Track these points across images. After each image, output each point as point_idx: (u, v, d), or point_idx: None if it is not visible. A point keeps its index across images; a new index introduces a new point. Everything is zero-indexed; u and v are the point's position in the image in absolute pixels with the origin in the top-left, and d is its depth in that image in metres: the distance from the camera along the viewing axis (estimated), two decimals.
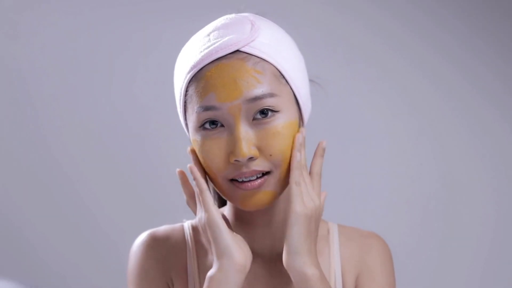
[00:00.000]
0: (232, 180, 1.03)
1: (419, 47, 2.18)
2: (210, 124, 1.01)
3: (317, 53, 2.09)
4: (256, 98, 0.99)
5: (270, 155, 1.01)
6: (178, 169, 1.08)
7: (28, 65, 2.19)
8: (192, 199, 1.07)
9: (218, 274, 1.01)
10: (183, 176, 1.07)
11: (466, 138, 2.18)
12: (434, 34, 2.17)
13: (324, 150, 1.08)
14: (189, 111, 1.04)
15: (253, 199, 1.03)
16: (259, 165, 1.01)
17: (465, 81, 2.18)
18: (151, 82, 2.16)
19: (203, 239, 1.13)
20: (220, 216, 1.03)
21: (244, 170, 1.00)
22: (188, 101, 1.04)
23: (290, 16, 2.04)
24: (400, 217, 2.17)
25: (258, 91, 1.00)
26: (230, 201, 1.07)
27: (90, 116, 2.19)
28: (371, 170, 2.18)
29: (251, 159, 1.00)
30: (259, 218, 1.10)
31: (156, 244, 1.13)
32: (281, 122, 1.01)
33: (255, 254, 1.10)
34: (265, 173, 1.02)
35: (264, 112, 1.00)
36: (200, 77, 1.01)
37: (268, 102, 1.00)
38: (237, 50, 1.01)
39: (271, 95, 1.00)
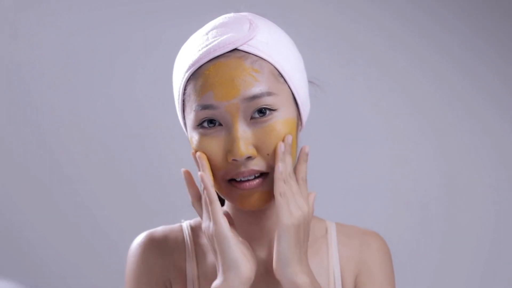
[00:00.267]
0: (230, 180, 1.02)
1: (419, 47, 2.18)
2: (208, 122, 1.01)
3: (317, 53, 2.10)
4: (254, 97, 0.99)
5: (267, 154, 1.01)
6: (183, 169, 1.06)
7: (28, 65, 2.19)
8: (198, 201, 1.05)
9: (223, 286, 1.01)
10: (188, 176, 1.06)
11: (466, 138, 2.18)
12: (434, 34, 2.18)
13: (307, 155, 1.06)
14: (187, 109, 1.04)
15: (251, 199, 1.02)
16: (257, 164, 1.01)
17: (465, 81, 2.18)
18: (151, 82, 2.16)
19: (209, 247, 1.12)
20: (229, 228, 1.01)
21: (242, 169, 1.00)
22: (186, 100, 1.04)
23: (289, 16, 2.04)
24: (400, 217, 2.17)
25: (256, 89, 1.00)
26: (228, 200, 1.06)
27: (90, 116, 2.19)
28: (370, 169, 2.18)
29: (249, 158, 1.00)
30: (256, 220, 1.09)
31: (154, 245, 1.13)
32: (279, 120, 1.01)
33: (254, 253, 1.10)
34: (263, 173, 1.02)
35: (262, 111, 1.00)
36: (198, 76, 1.01)
37: (266, 101, 1.00)
38: (235, 49, 1.01)
39: (269, 93, 1.00)
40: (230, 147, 1.00)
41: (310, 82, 1.12)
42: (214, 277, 1.07)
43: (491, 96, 2.17)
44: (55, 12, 2.18)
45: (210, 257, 1.12)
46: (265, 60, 1.02)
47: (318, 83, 1.16)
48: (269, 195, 1.03)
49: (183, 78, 1.04)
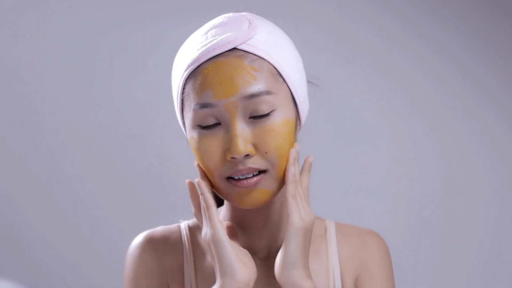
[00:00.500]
0: (229, 178, 1.03)
1: (419, 47, 2.18)
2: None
3: (317, 53, 2.10)
4: (253, 95, 1.00)
5: (266, 152, 1.01)
6: (187, 180, 1.07)
7: (28, 65, 2.19)
8: (199, 211, 1.06)
9: None
10: (192, 187, 1.06)
11: (466, 138, 2.18)
12: (434, 34, 2.18)
13: (311, 165, 1.07)
14: (186, 108, 1.04)
15: (249, 197, 1.03)
16: (255, 162, 1.01)
17: (465, 81, 2.18)
18: (151, 82, 2.16)
19: (207, 253, 1.13)
20: (225, 233, 1.02)
21: (240, 167, 1.00)
22: (185, 99, 1.04)
23: (289, 16, 2.04)
24: (400, 217, 2.17)
25: (255, 88, 1.00)
26: (227, 199, 1.06)
27: (90, 116, 2.19)
28: (370, 169, 2.18)
29: (247, 156, 1.00)
30: (255, 219, 1.10)
31: (152, 246, 1.13)
32: (278, 119, 1.01)
33: (252, 254, 1.10)
34: (261, 172, 1.02)
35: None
36: (197, 75, 1.02)
37: (264, 100, 1.00)
38: (234, 48, 1.01)
39: (268, 92, 1.00)
40: (228, 145, 1.00)
41: (309, 82, 1.12)
42: (212, 278, 1.07)
43: (491, 96, 2.17)
44: (55, 12, 2.18)
45: (208, 258, 1.12)
46: (264, 59, 1.02)
47: (317, 83, 1.16)
48: (267, 194, 1.04)
49: (182, 77, 1.04)
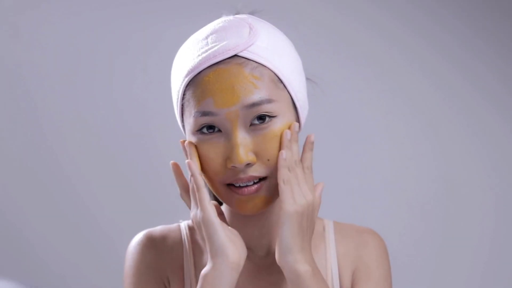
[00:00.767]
0: (229, 185, 1.03)
1: (419, 47, 2.18)
2: (208, 128, 1.01)
3: (316, 53, 2.09)
4: (254, 104, 0.99)
5: (268, 159, 1.01)
6: (172, 162, 1.07)
7: (28, 65, 2.19)
8: (186, 192, 1.06)
9: (211, 272, 1.01)
10: (177, 168, 1.07)
11: (466, 138, 2.18)
12: (434, 34, 2.18)
13: (312, 143, 1.07)
14: (187, 113, 1.04)
15: (249, 204, 1.03)
16: (256, 170, 1.01)
17: (465, 81, 2.18)
18: (151, 82, 2.16)
19: (198, 236, 1.13)
20: (215, 214, 1.02)
21: (241, 176, 1.00)
22: (185, 104, 1.03)
23: (289, 16, 2.04)
24: (400, 217, 2.17)
25: (256, 97, 0.99)
26: (226, 204, 1.07)
27: (90, 116, 2.19)
28: (370, 169, 2.18)
29: (248, 165, 1.00)
30: (255, 220, 1.10)
31: (152, 245, 1.13)
32: (279, 126, 1.01)
33: (252, 252, 1.10)
34: (261, 179, 1.02)
35: (261, 118, 1.00)
36: (197, 82, 1.01)
37: (265, 108, 1.00)
38: (235, 55, 1.00)
39: (269, 100, 1.00)
40: (229, 154, 1.00)
41: (308, 79, 1.12)
42: None
43: (491, 96, 2.17)
44: (55, 12, 2.18)
45: (207, 257, 1.12)
46: (265, 66, 1.01)
47: (316, 80, 1.16)
48: (268, 200, 1.04)
49: (182, 83, 1.04)
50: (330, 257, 1.14)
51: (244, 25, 1.03)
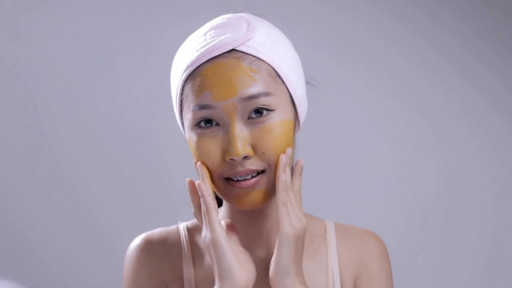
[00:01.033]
0: (227, 179, 1.03)
1: (419, 47, 2.18)
2: (206, 122, 1.01)
3: (316, 53, 2.09)
4: (251, 97, 1.00)
5: (263, 153, 1.01)
6: (188, 179, 1.07)
7: (28, 65, 2.19)
8: (199, 211, 1.06)
9: None
10: (192, 187, 1.06)
11: (466, 138, 2.18)
12: (434, 34, 2.17)
13: (302, 168, 1.07)
14: (185, 109, 1.04)
15: (248, 198, 1.03)
16: (254, 164, 1.01)
17: (465, 81, 2.18)
18: (151, 82, 2.16)
19: (207, 254, 1.12)
20: (225, 236, 1.02)
21: (239, 169, 1.01)
22: (184, 100, 1.04)
23: (288, 16, 2.04)
24: (400, 217, 2.17)
25: (253, 90, 1.00)
26: (225, 199, 1.07)
27: (90, 116, 2.19)
28: (370, 170, 2.18)
29: (246, 157, 1.00)
30: (254, 219, 1.10)
31: (151, 248, 1.13)
32: (276, 120, 1.01)
33: (251, 253, 1.10)
34: (260, 172, 1.02)
35: (259, 111, 1.00)
36: (196, 76, 1.02)
37: (263, 101, 1.00)
38: (233, 49, 1.01)
39: (266, 94, 1.00)
40: (227, 147, 1.00)
41: (307, 83, 1.12)
42: (211, 278, 1.07)
43: (491, 96, 2.17)
44: (55, 12, 2.18)
45: (207, 259, 1.13)
46: (262, 60, 1.02)
47: (315, 84, 1.16)
48: (266, 195, 1.04)
49: (180, 78, 1.04)
50: (331, 258, 1.14)
51: (242, 21, 1.04)
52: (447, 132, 2.18)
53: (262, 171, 1.02)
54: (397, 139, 2.19)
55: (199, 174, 1.04)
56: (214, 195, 1.05)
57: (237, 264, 1.01)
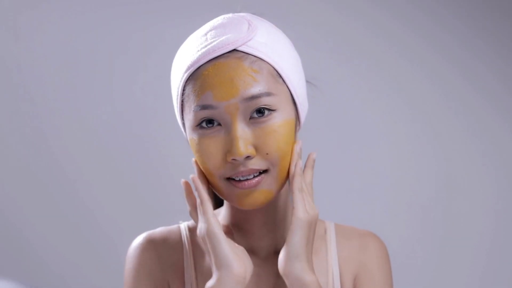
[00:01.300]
0: (229, 179, 1.03)
1: (419, 47, 2.18)
2: (207, 123, 1.01)
3: (316, 53, 2.10)
4: (253, 97, 1.00)
5: (267, 153, 1.01)
6: (182, 180, 1.08)
7: (28, 65, 2.19)
8: (195, 210, 1.07)
9: (216, 285, 1.01)
10: (187, 186, 1.07)
11: (466, 138, 2.18)
12: (434, 34, 2.18)
13: (314, 161, 1.09)
14: (186, 110, 1.04)
15: (250, 198, 1.03)
16: (256, 163, 1.01)
17: (465, 81, 2.18)
18: (151, 82, 2.16)
19: (204, 250, 1.13)
20: (220, 227, 1.02)
21: (241, 169, 1.01)
22: (185, 100, 1.04)
23: (288, 16, 2.04)
24: (400, 217, 2.17)
25: (255, 90, 1.00)
26: (227, 200, 1.07)
27: (90, 116, 2.19)
28: (370, 170, 2.18)
29: (248, 158, 1.00)
30: (257, 218, 1.10)
31: (152, 247, 1.13)
32: (278, 121, 1.01)
33: (255, 253, 1.10)
34: (262, 172, 1.02)
35: (261, 111, 1.01)
36: (197, 76, 1.02)
37: (264, 101, 1.00)
38: (234, 49, 1.01)
39: (268, 94, 1.01)
40: (229, 147, 1.00)
41: (308, 82, 1.12)
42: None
43: (491, 96, 2.17)
44: (55, 12, 2.18)
45: (208, 258, 1.12)
46: (263, 60, 1.02)
47: (316, 83, 1.16)
48: (268, 195, 1.04)
49: (181, 78, 1.04)
50: (331, 259, 1.14)
51: (243, 21, 1.04)
52: (447, 132, 2.18)
53: (265, 171, 1.02)
54: (397, 138, 2.19)
55: (196, 172, 1.05)
56: (209, 189, 1.06)
57: (234, 254, 1.02)
